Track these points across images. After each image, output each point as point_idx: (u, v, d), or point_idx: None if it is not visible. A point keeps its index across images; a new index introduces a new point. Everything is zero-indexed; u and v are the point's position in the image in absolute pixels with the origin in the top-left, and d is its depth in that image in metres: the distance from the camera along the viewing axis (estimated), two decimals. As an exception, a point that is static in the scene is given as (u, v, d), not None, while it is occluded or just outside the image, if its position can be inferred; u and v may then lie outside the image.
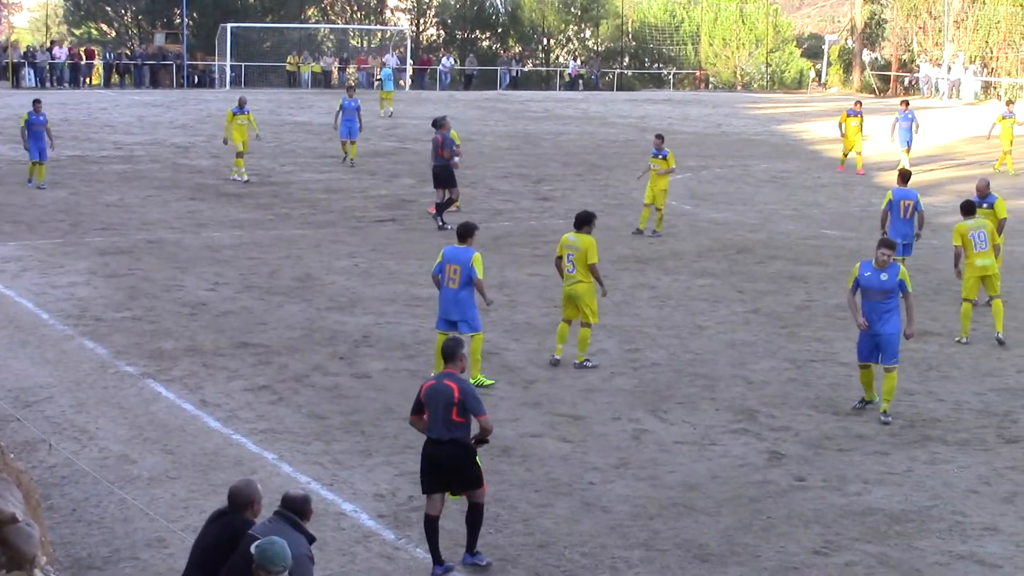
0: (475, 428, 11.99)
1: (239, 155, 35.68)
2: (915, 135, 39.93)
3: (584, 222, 18.49)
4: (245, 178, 35.38)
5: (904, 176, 24.72)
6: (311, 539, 9.40)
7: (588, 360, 18.60)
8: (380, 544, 12.60)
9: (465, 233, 17.32)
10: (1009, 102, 45.09)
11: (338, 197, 33.56)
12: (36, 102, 33.88)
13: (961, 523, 13.23)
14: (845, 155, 40.76)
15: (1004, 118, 41.12)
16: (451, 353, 12.13)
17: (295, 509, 9.43)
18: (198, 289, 22.83)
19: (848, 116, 40.48)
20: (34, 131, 33.09)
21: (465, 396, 11.74)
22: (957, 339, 20.30)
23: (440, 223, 28.96)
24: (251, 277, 23.87)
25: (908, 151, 39.67)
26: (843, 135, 40.78)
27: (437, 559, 11.91)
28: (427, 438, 11.89)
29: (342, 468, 14.46)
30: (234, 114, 35.84)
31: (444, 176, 29.46)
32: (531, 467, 14.62)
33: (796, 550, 12.55)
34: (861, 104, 41.77)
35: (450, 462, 11.80)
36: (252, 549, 8.65)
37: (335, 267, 24.95)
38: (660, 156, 28.98)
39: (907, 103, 41.54)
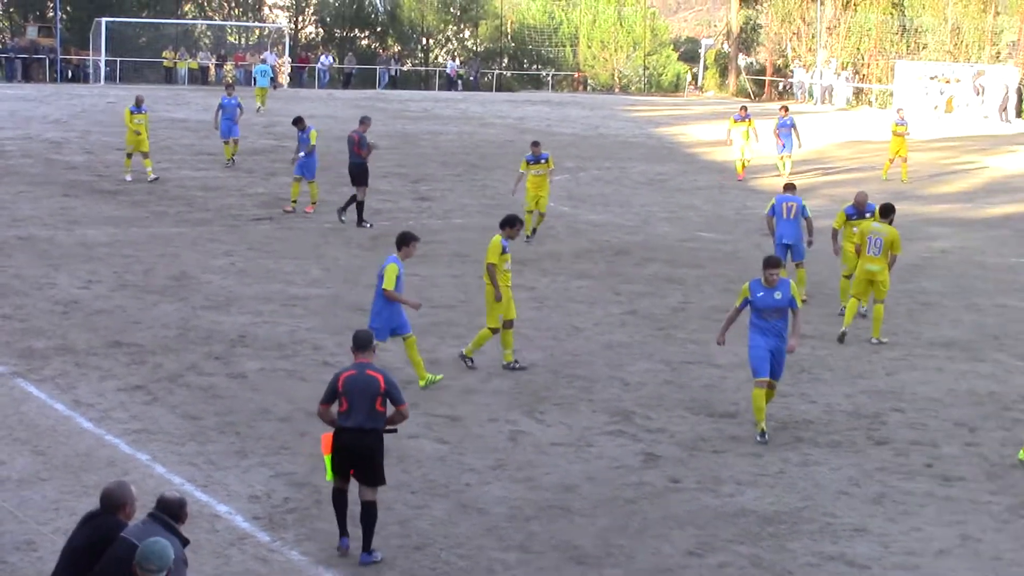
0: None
1: (129, 155, 34.73)
2: (796, 141, 40.04)
3: (503, 224, 18.59)
4: (129, 177, 34.59)
5: (789, 187, 24.73)
6: (185, 542, 9.29)
7: (470, 360, 18.61)
8: (255, 546, 12.49)
9: (398, 241, 17.32)
10: (898, 110, 44.92)
11: (215, 195, 33.24)
12: None
13: (832, 524, 13.44)
14: (740, 163, 40.43)
15: (897, 125, 41.25)
16: (366, 343, 12.44)
17: (170, 512, 9.32)
18: (71, 287, 22.47)
19: (736, 122, 40.21)
20: None
21: (390, 387, 12.10)
22: (843, 330, 20.64)
23: (343, 217, 29.51)
24: (125, 275, 23.55)
25: (789, 157, 39.96)
26: (730, 141, 40.56)
27: (344, 531, 12.29)
28: (343, 427, 12.03)
29: (216, 469, 14.33)
30: (132, 113, 34.55)
31: (358, 175, 29.46)
32: (408, 468, 14.59)
33: (671, 551, 12.66)
34: (746, 109, 41.53)
35: (368, 452, 12.07)
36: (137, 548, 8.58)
37: (211, 266, 24.71)
38: (541, 160, 28.84)
39: (787, 109, 41.84)
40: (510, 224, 18.51)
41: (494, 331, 18.48)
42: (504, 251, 18.23)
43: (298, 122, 31.16)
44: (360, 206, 29.52)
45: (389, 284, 16.89)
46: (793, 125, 39.99)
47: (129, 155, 34.82)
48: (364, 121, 30.15)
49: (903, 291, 24.58)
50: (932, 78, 67.92)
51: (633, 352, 19.87)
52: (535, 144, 29.39)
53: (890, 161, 41.36)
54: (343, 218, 29.50)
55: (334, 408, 12.18)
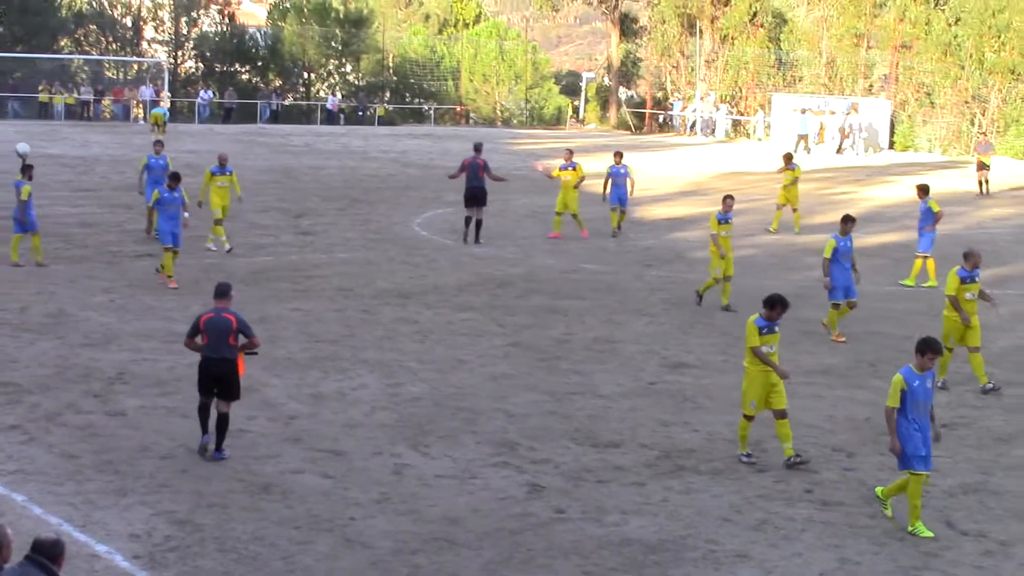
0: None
1: (217, 222, 30.40)
2: (630, 192, 35.35)
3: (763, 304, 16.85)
4: (228, 247, 30.49)
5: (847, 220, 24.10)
6: (63, 583, 9.14)
7: (796, 457, 16.65)
8: (135, 586, 12.33)
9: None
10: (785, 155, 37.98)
11: (93, 231, 32.83)
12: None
13: (715, 551, 13.54)
14: (558, 215, 35.21)
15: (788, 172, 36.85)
16: (226, 292, 15.98)
17: (46, 553, 9.16)
18: (-56, 326, 22.07)
19: (560, 170, 35.05)
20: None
21: (241, 324, 15.71)
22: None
23: (467, 239, 33.06)
24: (0, 313, 23.16)
25: (623, 212, 35.41)
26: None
27: (205, 430, 15.79)
28: (206, 356, 15.72)
29: (95, 508, 14.11)
30: (213, 174, 30.39)
31: (481, 196, 33.10)
32: (291, 504, 14.49)
33: (555, 581, 12.68)
34: (572, 154, 35.85)
35: (222, 375, 15.68)
36: None
37: (90, 303, 24.37)
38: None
39: (621, 155, 35.71)
40: (769, 306, 16.59)
41: (748, 418, 16.55)
42: (761, 332, 16.43)
43: (174, 178, 26.89)
44: (479, 224, 33.24)
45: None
46: (628, 175, 35.20)
47: (218, 221, 30.50)
48: (479, 148, 34.28)
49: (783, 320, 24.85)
50: (802, 111, 68.77)
51: (517, 383, 19.90)
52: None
53: (779, 210, 36.40)
54: (479, 240, 33.15)
55: (198, 340, 15.79)
